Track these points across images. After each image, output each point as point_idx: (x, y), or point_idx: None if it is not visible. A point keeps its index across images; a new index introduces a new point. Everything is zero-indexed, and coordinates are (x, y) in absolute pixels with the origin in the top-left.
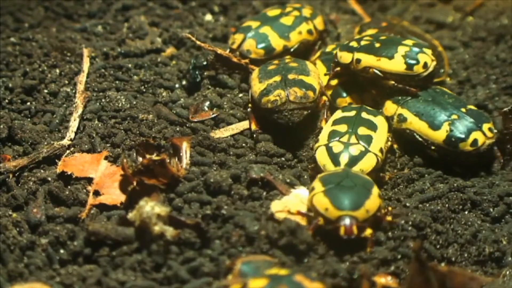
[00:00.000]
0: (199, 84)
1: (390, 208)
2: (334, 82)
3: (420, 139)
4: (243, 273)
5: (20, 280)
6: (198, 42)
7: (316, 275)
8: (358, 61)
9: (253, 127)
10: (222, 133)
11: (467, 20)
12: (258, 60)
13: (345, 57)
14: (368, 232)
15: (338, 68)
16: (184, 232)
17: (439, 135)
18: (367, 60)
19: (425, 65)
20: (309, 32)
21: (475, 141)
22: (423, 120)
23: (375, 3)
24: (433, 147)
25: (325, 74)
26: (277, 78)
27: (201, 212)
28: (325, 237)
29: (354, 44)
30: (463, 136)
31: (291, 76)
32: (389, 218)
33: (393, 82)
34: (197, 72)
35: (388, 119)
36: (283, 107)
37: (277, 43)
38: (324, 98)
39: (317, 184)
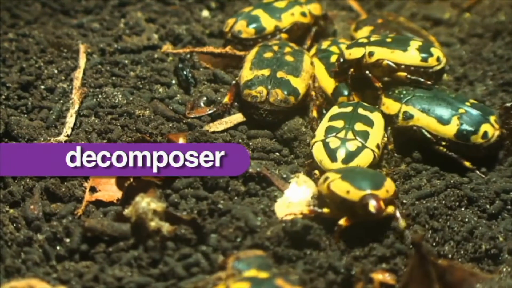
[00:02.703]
0: (193, 82)
1: None
2: (335, 81)
3: (428, 135)
4: (236, 271)
5: (17, 276)
6: (174, 51)
7: (296, 279)
8: (371, 54)
9: (226, 99)
10: (216, 126)
11: (464, 16)
12: (249, 39)
13: (356, 52)
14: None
15: (352, 70)
16: (180, 227)
17: (450, 130)
18: (380, 52)
19: (438, 59)
20: (303, 14)
21: (485, 133)
22: (431, 115)
23: (372, 0)
24: (443, 143)
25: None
26: (266, 72)
27: (197, 208)
28: (324, 233)
29: (363, 40)
30: (473, 128)
31: (279, 74)
32: (402, 210)
33: (406, 74)
34: (185, 73)
35: (391, 117)
36: (261, 105)
37: (268, 23)
38: (312, 92)
39: (330, 174)
